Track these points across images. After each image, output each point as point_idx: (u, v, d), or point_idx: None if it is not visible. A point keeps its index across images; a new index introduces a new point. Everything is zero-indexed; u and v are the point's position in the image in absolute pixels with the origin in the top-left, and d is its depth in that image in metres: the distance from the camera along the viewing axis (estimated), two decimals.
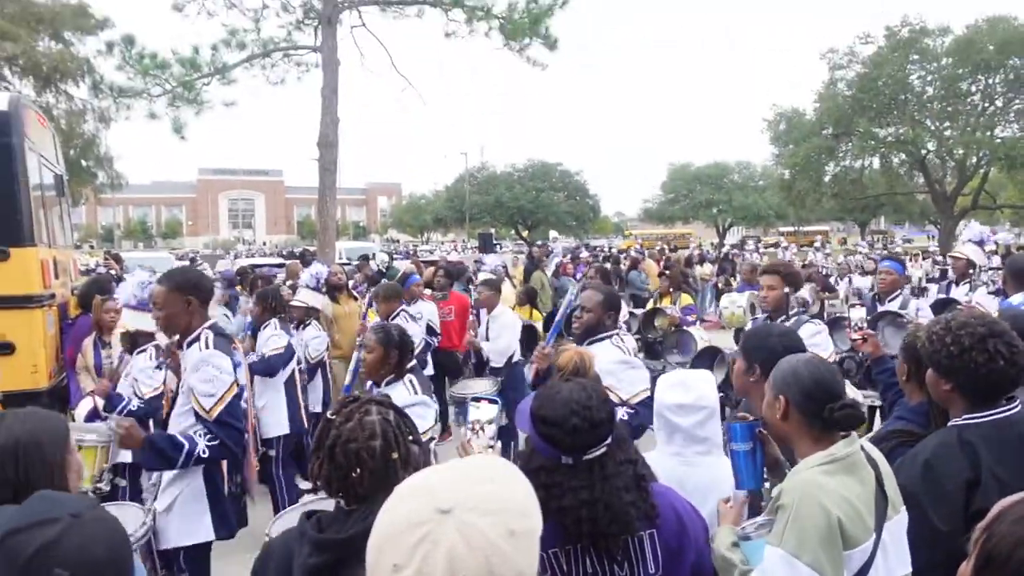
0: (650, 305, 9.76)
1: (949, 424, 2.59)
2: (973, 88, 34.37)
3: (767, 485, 2.48)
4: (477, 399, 2.51)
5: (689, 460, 2.74)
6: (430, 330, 8.55)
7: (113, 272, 13.28)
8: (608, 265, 16.54)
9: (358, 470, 1.80)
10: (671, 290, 10.14)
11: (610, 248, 39.45)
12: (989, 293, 6.60)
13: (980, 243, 7.60)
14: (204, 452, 3.55)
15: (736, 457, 2.45)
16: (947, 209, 36.55)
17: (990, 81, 33.95)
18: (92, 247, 53.81)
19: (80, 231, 62.67)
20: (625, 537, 2.05)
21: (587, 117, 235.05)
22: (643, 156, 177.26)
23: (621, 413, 3.81)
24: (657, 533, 2.10)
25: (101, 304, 6.41)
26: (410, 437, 1.90)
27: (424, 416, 3.85)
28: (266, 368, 6.25)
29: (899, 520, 2.26)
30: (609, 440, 2.09)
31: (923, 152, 35.78)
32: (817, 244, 40.60)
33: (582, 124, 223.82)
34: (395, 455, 1.83)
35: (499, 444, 2.44)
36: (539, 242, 36.35)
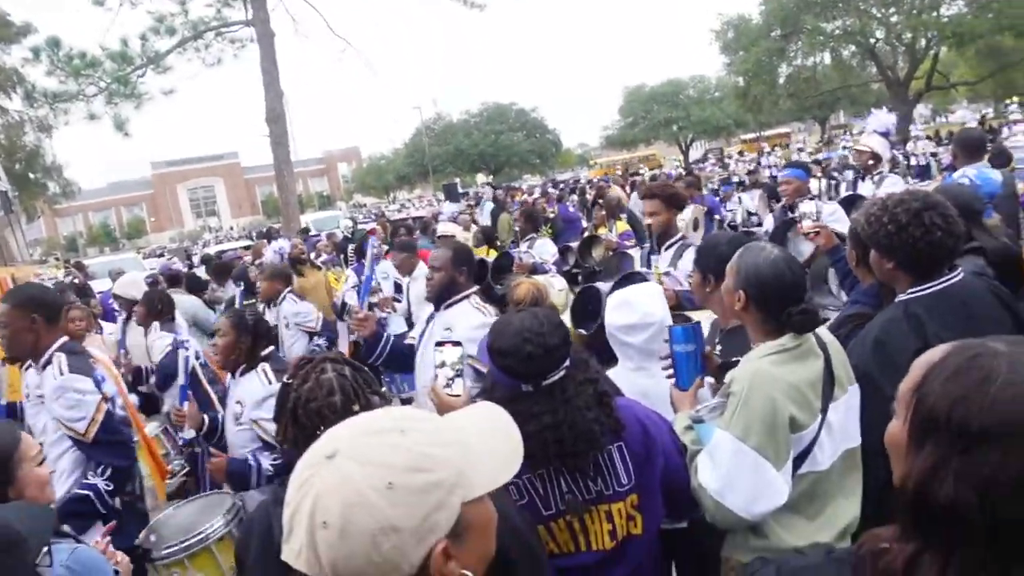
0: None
1: (896, 300, 2.67)
2: None
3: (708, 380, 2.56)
4: (440, 343, 2.55)
5: (650, 372, 2.80)
6: (397, 287, 8.58)
7: (76, 281, 13.13)
8: (548, 203, 16.62)
9: (322, 427, 1.81)
10: (607, 219, 10.02)
11: (577, 180, 39.29)
12: (912, 179, 6.58)
13: (885, 134, 7.04)
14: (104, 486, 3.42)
15: (677, 357, 2.52)
16: (902, 94, 36.72)
17: None
18: (58, 259, 53.02)
19: (42, 245, 61.68)
20: (594, 453, 2.11)
21: (535, 52, 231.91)
22: (597, 83, 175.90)
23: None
24: (625, 445, 2.17)
25: (66, 314, 6.34)
26: (368, 389, 1.94)
27: None
28: (164, 377, 5.68)
29: (846, 399, 2.34)
30: (567, 363, 2.14)
31: (872, 41, 35.83)
32: (767, 149, 40.54)
33: (531, 60, 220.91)
34: (356, 407, 1.88)
35: (461, 382, 2.48)
36: (504, 184, 36.17)
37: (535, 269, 6.60)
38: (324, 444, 1.06)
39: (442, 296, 4.03)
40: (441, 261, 4.02)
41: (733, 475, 2.15)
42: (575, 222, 13.62)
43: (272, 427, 3.44)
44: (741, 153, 47.40)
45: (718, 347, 2.97)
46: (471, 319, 3.87)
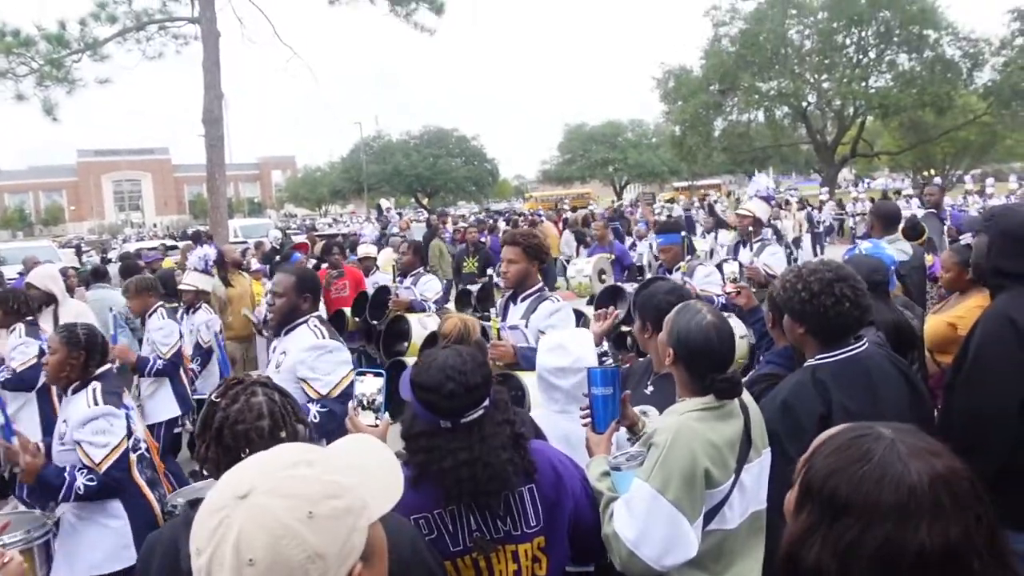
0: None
1: (804, 364, 2.80)
2: (848, 41, 35.92)
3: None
4: (362, 373, 2.55)
5: (573, 416, 2.83)
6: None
7: None
8: (480, 232, 16.67)
9: (247, 450, 1.82)
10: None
11: (511, 213, 39.57)
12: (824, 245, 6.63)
13: (766, 198, 6.85)
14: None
15: (594, 400, 2.55)
16: (829, 158, 38.33)
17: (863, 34, 35.55)
18: None
19: None
20: (505, 493, 2.15)
21: (480, 81, 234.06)
22: (538, 118, 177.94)
23: (312, 413, 3.59)
24: (536, 487, 2.20)
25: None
26: (294, 416, 1.94)
27: (107, 431, 3.51)
28: (19, 383, 5.42)
29: (760, 462, 2.44)
30: (486, 402, 2.18)
31: (804, 104, 37.31)
32: (714, 197, 41.57)
33: (476, 89, 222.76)
34: (283, 434, 1.87)
35: (386, 416, 2.48)
36: (438, 209, 36.16)
37: (412, 306, 6.48)
38: (231, 486, 1.06)
39: (283, 322, 3.96)
40: (284, 287, 3.92)
41: (649, 526, 2.20)
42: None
43: (94, 451, 3.41)
44: (672, 200, 48.50)
45: (650, 388, 3.05)
46: (303, 340, 3.81)
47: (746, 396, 2.51)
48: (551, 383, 2.91)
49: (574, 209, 33.04)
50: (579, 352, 2.92)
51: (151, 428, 5.82)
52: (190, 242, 14.87)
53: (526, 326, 4.15)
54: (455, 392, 2.10)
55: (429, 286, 7.13)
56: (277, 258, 10.58)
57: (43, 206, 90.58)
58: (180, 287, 7.35)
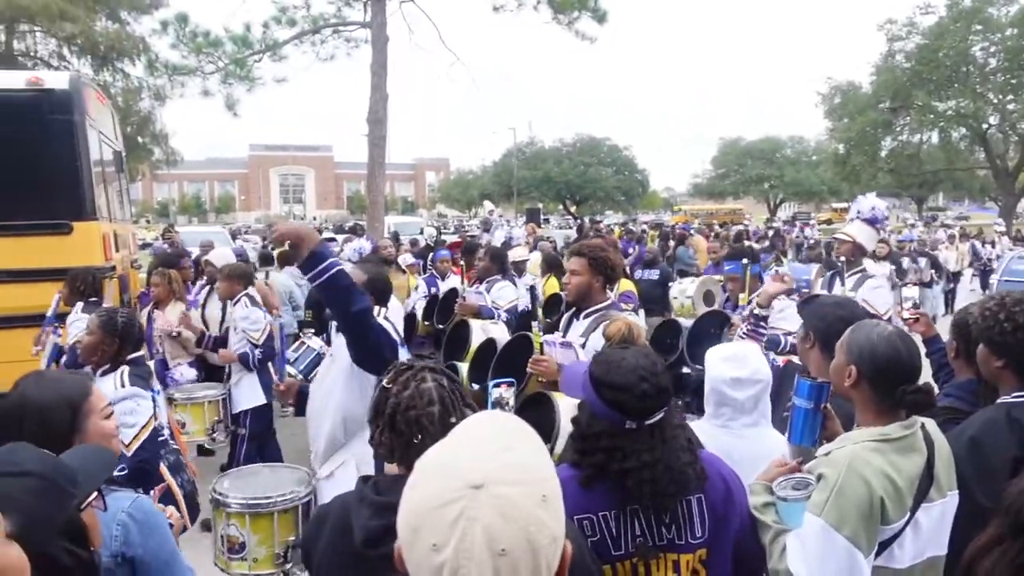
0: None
1: (998, 401, 2.57)
2: None
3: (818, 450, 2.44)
4: (498, 383, 2.54)
5: (736, 431, 2.75)
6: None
7: (171, 247, 13.67)
8: (627, 242, 16.41)
9: (419, 436, 1.84)
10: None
11: (662, 224, 39.01)
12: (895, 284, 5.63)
13: (872, 221, 5.85)
14: None
15: (796, 412, 2.43)
16: (1008, 185, 35.48)
17: None
18: (148, 222, 55.00)
19: (137, 207, 64.17)
20: (681, 498, 2.09)
21: (637, 92, 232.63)
22: (694, 131, 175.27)
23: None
24: (704, 498, 2.14)
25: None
26: (462, 402, 1.95)
27: (135, 411, 3.53)
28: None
29: (944, 504, 2.24)
30: (667, 407, 2.14)
31: (984, 126, 34.70)
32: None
33: (631, 99, 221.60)
34: (453, 420, 1.88)
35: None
36: (592, 217, 36.10)
37: (479, 312, 6.24)
38: (459, 477, 1.03)
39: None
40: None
41: (824, 564, 2.08)
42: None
43: (122, 432, 3.26)
44: (828, 222, 46.46)
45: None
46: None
47: (934, 430, 2.31)
48: (724, 394, 2.79)
49: (722, 224, 32.17)
50: (757, 363, 2.80)
51: (236, 417, 6.14)
52: (349, 235, 15.50)
53: (583, 345, 3.93)
54: (648, 393, 2.07)
55: (502, 293, 7.00)
56: (431, 255, 10.85)
57: (217, 195, 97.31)
58: None
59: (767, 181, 59.05)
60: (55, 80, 7.08)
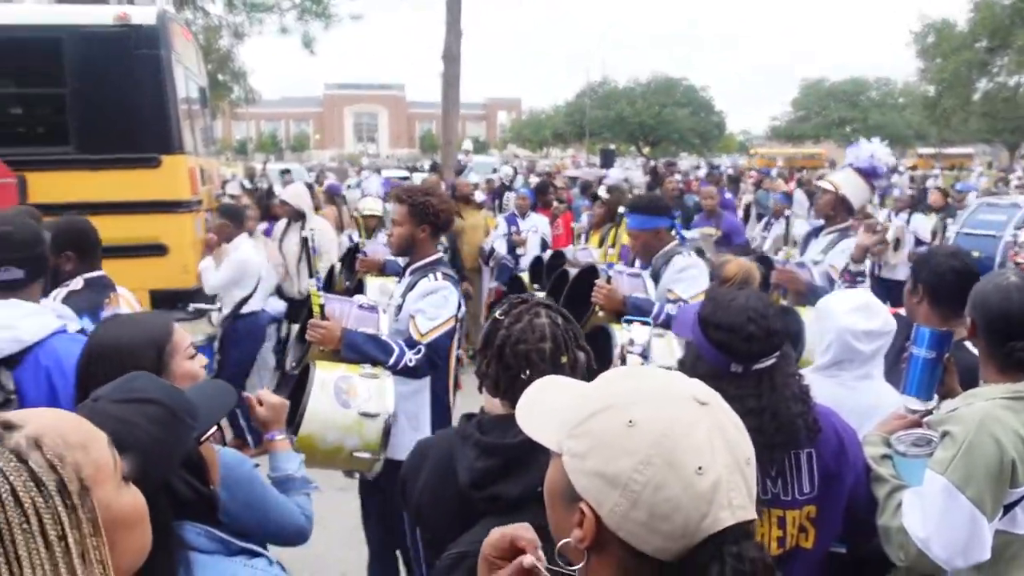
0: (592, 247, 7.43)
1: None
2: None
3: (933, 403, 2.33)
4: (629, 320, 2.47)
5: (847, 383, 2.63)
6: (543, 244, 8.65)
7: (262, 183, 13.97)
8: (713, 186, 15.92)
9: (527, 372, 1.79)
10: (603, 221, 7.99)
11: (730, 168, 37.92)
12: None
13: (869, 173, 4.85)
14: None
15: (914, 362, 2.32)
16: None
17: None
18: (228, 159, 56.19)
19: (216, 144, 65.57)
20: (788, 451, 2.02)
21: (715, 30, 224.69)
22: (773, 72, 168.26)
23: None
24: (816, 453, 2.06)
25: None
26: (576, 343, 1.89)
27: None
28: None
29: None
30: (779, 352, 2.05)
31: None
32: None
33: (709, 37, 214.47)
34: (564, 359, 1.83)
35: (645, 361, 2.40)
36: (664, 160, 35.39)
37: (383, 268, 5.52)
38: (686, 397, 0.99)
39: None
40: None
41: (944, 526, 1.98)
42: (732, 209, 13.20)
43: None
44: (915, 168, 44.43)
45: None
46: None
47: None
48: (852, 347, 2.63)
49: (800, 170, 31.17)
50: (885, 313, 2.66)
51: None
52: (434, 174, 15.48)
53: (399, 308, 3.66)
54: (755, 335, 1.98)
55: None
56: (507, 193, 10.83)
57: (292, 134, 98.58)
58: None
59: (849, 124, 56.81)
60: (142, 16, 7.13)
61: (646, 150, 56.36)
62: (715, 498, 0.92)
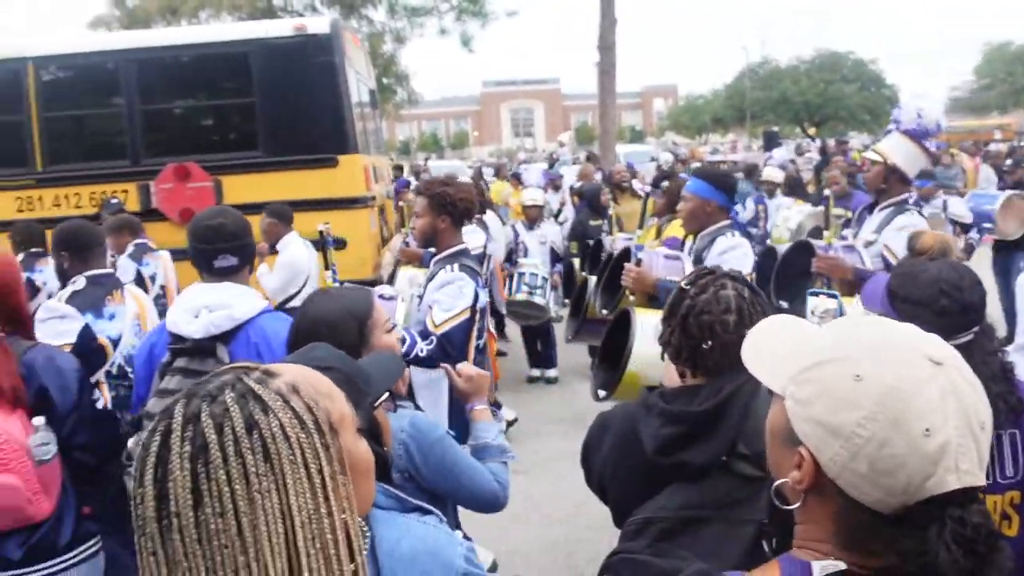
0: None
1: None
2: None
3: None
4: (815, 293, 2.45)
5: None
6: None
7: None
8: None
9: (710, 342, 1.80)
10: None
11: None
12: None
13: (918, 135, 4.25)
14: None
15: None
16: None
17: None
18: (392, 159, 58.48)
19: (384, 144, 68.24)
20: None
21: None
22: (951, 39, 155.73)
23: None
24: (1020, 434, 1.95)
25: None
26: (761, 317, 1.87)
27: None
28: None
29: None
30: (977, 328, 1.95)
31: None
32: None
33: (878, 6, 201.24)
34: (746, 332, 1.85)
35: None
36: (840, 138, 33.63)
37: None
38: (917, 354, 0.99)
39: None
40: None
41: None
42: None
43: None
44: None
45: None
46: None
47: None
48: None
49: (987, 143, 28.71)
50: None
51: None
52: (589, 164, 15.62)
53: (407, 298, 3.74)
54: (948, 309, 1.91)
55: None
56: (665, 181, 10.73)
57: (452, 132, 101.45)
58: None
59: None
60: (317, 25, 7.67)
61: (811, 130, 53.84)
62: (942, 460, 0.91)
